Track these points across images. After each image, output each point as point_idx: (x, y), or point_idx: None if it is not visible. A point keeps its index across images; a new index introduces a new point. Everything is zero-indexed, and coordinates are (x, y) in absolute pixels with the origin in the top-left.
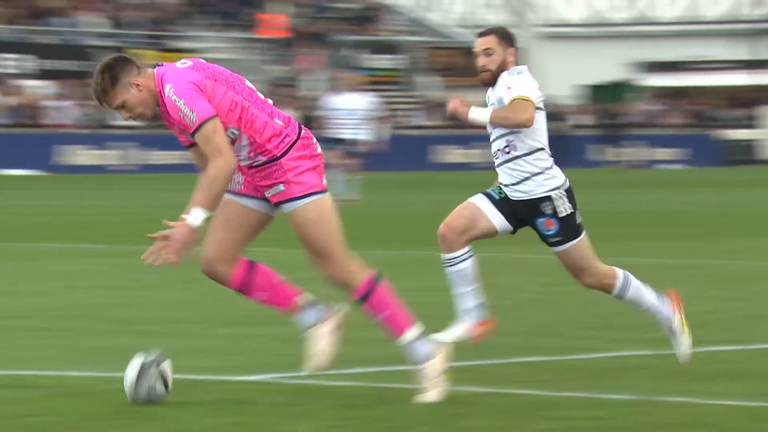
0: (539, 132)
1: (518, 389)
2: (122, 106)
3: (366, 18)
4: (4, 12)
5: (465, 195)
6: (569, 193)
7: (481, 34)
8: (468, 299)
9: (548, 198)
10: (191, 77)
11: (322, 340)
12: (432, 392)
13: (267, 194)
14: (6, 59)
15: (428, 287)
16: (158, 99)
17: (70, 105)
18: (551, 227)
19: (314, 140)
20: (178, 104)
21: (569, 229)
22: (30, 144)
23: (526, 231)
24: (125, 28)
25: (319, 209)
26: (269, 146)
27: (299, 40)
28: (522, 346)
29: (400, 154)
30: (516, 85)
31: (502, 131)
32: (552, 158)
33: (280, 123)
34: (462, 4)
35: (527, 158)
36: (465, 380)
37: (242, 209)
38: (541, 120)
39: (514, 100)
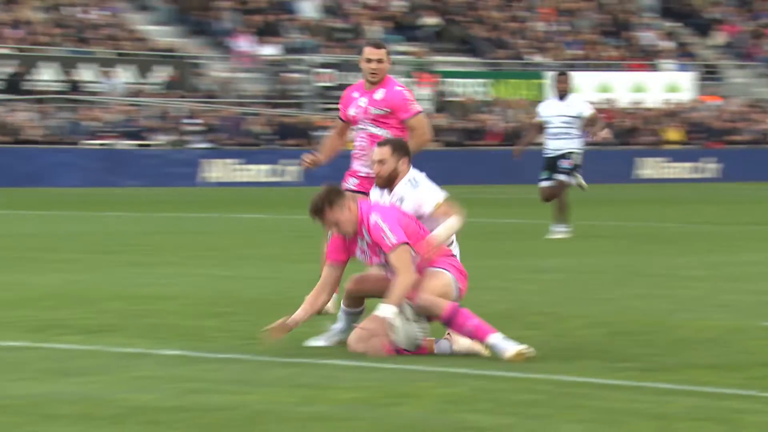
0: None
1: None
2: (335, 224)
3: None
4: None
5: None
6: None
7: (379, 144)
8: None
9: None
10: (394, 212)
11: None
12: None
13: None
14: None
15: None
16: (357, 225)
17: None
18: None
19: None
20: (383, 227)
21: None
22: None
23: None
24: None
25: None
26: None
27: None
28: None
29: None
30: (423, 198)
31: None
32: None
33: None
34: None
35: None
36: None
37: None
38: None
39: (434, 213)
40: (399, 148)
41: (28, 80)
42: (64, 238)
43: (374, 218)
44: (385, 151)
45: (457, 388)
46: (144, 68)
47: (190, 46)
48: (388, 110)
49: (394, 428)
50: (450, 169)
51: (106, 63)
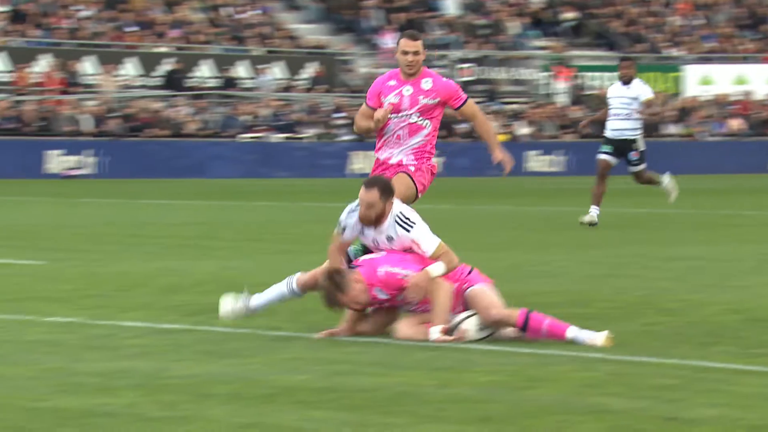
0: None
1: None
2: (354, 301)
3: None
4: None
5: None
6: None
7: (366, 186)
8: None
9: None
10: (393, 254)
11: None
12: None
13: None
14: None
15: None
16: (368, 291)
17: None
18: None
19: None
20: (396, 271)
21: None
22: None
23: None
24: None
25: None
26: None
27: None
28: None
29: None
30: (421, 239)
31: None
32: None
33: None
34: None
35: None
36: None
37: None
38: None
39: (435, 254)
40: (385, 190)
41: (187, 77)
42: (219, 226)
43: (382, 271)
44: (373, 196)
45: (593, 372)
46: (294, 65)
47: (338, 43)
48: (439, 99)
49: (531, 410)
50: (586, 160)
51: (259, 60)
